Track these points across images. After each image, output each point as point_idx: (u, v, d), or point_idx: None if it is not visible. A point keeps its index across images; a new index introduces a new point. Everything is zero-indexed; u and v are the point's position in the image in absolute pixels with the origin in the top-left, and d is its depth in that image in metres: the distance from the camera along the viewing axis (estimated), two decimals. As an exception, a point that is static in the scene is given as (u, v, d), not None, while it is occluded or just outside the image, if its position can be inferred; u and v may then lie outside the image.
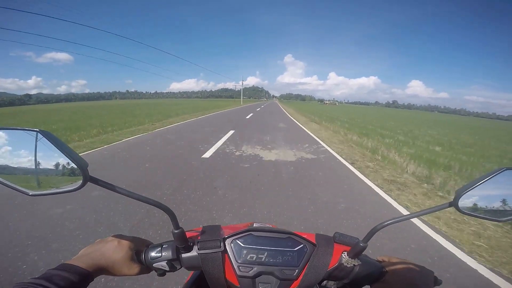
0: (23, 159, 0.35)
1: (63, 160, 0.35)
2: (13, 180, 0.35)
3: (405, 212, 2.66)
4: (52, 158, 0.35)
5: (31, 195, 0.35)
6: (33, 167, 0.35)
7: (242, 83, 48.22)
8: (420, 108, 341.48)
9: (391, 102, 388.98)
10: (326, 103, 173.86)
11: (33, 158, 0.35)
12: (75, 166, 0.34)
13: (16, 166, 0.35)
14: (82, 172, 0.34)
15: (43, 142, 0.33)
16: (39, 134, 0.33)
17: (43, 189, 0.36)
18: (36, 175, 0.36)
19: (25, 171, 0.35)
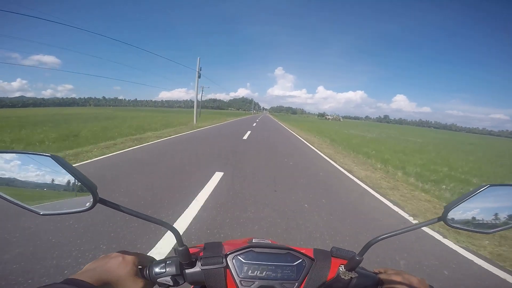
0: (36, 182, 0.39)
1: (73, 183, 0.39)
2: (25, 201, 0.39)
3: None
4: (63, 181, 0.39)
5: (42, 215, 0.39)
6: (45, 189, 0.40)
7: (197, 79, 20.11)
8: (410, 123, 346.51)
9: (382, 117, 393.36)
10: (329, 119, 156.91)
11: (45, 181, 0.39)
12: (85, 188, 0.39)
13: (28, 188, 0.39)
14: (92, 194, 0.39)
15: (55, 166, 0.37)
16: (51, 158, 0.37)
17: (54, 209, 0.41)
18: (48, 196, 0.40)
19: (37, 193, 0.40)
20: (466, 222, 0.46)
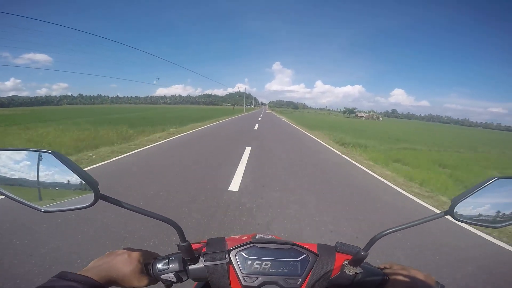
0: (37, 179, 0.42)
1: (75, 179, 0.42)
2: (27, 198, 0.42)
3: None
4: (65, 178, 0.42)
5: (44, 212, 0.42)
6: (47, 186, 0.42)
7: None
8: (419, 118, 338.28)
9: (389, 111, 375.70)
10: (363, 117, 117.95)
11: (47, 177, 0.42)
12: (87, 185, 0.41)
13: (30, 185, 0.42)
14: (93, 190, 0.41)
15: (57, 162, 0.40)
16: (52, 155, 0.39)
17: (56, 206, 0.43)
18: (50, 193, 0.43)
19: (39, 190, 0.42)
20: (473, 216, 0.48)
